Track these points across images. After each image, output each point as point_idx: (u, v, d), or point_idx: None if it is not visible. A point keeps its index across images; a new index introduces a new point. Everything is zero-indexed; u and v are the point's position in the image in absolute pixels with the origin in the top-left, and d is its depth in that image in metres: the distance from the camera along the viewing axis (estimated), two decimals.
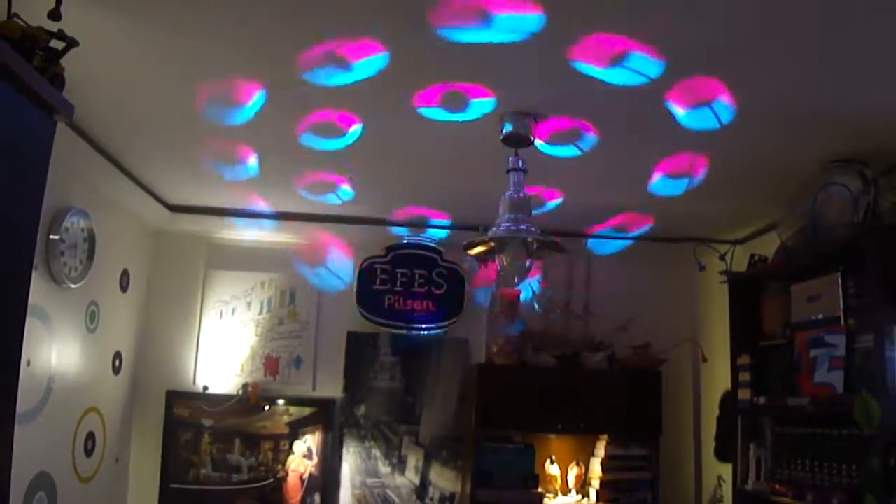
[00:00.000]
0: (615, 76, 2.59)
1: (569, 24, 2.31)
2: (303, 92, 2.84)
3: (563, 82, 2.71)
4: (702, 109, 2.85)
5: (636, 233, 4.55)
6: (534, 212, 3.15)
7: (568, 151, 3.35)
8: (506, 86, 2.79)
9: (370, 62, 2.57)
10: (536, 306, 4.90)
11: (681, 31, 2.31)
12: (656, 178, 3.64)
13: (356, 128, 3.19)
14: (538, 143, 3.16)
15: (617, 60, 2.49)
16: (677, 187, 3.74)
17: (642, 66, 2.51)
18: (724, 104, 2.80)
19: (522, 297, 4.89)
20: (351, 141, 3.36)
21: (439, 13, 2.27)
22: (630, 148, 3.36)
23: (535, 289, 4.89)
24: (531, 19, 2.27)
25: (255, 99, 2.96)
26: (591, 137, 3.21)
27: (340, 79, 2.71)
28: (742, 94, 2.74)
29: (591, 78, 2.61)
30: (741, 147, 3.26)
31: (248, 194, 4.31)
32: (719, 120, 2.92)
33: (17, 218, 2.00)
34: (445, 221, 4.70)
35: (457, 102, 2.92)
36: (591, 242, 4.84)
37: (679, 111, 2.87)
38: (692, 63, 2.52)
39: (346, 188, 3.94)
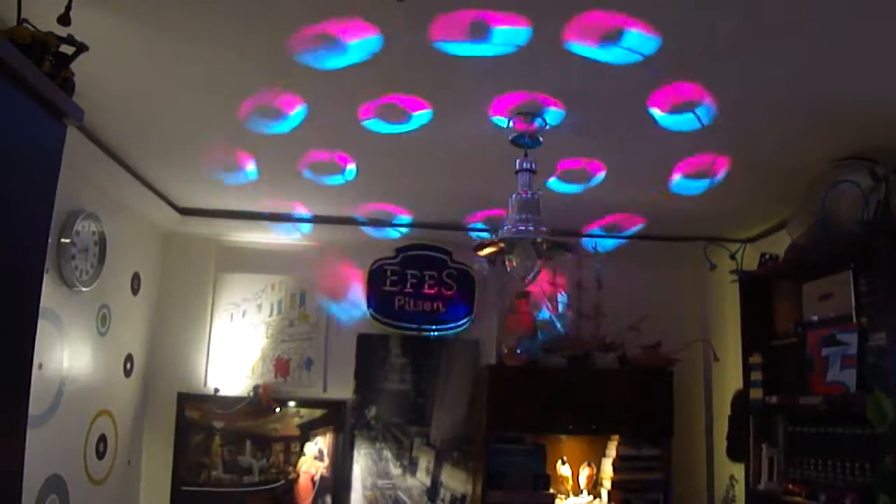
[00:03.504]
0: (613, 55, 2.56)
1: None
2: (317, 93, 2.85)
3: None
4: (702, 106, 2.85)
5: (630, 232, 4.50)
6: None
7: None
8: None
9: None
10: (558, 325, 4.93)
11: (690, 26, 2.30)
12: (675, 177, 3.63)
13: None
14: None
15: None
16: (697, 188, 3.74)
17: (642, 46, 2.48)
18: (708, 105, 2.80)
19: (540, 315, 4.92)
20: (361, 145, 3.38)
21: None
22: (638, 144, 3.36)
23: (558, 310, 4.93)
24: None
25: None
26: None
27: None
28: (750, 91, 2.73)
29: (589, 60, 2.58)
30: (750, 145, 3.25)
31: (258, 197, 4.33)
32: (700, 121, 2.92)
33: (28, 222, 2.01)
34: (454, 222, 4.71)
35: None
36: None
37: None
38: (700, 57, 2.51)
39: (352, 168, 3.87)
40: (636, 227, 4.60)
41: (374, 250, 5.03)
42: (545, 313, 5.00)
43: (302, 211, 4.60)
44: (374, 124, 3.13)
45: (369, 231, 4.83)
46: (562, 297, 5.02)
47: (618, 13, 2.26)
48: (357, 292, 5.05)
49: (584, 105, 2.95)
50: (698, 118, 2.89)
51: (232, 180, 4.02)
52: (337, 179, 3.86)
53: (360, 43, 2.46)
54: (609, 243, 4.87)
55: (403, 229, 4.81)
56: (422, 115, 3.03)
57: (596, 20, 2.29)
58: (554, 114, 2.99)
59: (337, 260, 5.04)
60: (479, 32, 2.38)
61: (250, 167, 3.78)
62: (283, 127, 3.16)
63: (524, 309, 4.87)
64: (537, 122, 3.02)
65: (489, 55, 2.51)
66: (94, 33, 2.22)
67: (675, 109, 2.85)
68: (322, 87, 2.80)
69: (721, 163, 3.41)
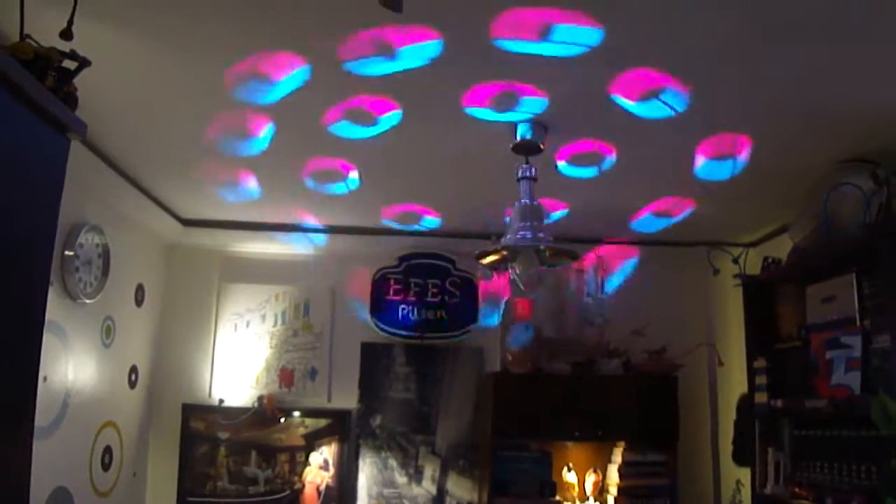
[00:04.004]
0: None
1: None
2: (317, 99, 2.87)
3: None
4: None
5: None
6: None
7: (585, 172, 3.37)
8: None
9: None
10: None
11: (691, 27, 2.30)
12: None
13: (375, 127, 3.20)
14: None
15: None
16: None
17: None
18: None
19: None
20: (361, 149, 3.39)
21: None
22: (641, 149, 3.36)
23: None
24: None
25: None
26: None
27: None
28: (750, 93, 2.73)
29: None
30: (752, 149, 3.25)
31: (260, 207, 4.34)
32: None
33: (32, 235, 2.02)
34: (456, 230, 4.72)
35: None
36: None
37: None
38: (703, 59, 2.51)
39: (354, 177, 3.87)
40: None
41: (378, 259, 5.03)
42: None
43: (305, 221, 4.62)
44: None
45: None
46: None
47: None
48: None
49: (583, 110, 2.97)
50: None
51: (234, 197, 4.05)
52: (340, 188, 3.86)
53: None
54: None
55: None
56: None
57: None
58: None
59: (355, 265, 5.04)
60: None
61: (252, 184, 3.80)
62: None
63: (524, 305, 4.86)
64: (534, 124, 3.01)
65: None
66: (96, 47, 2.23)
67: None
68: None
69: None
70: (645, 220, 4.37)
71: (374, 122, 3.06)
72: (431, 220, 4.58)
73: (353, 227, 4.70)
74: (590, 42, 2.40)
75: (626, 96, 2.78)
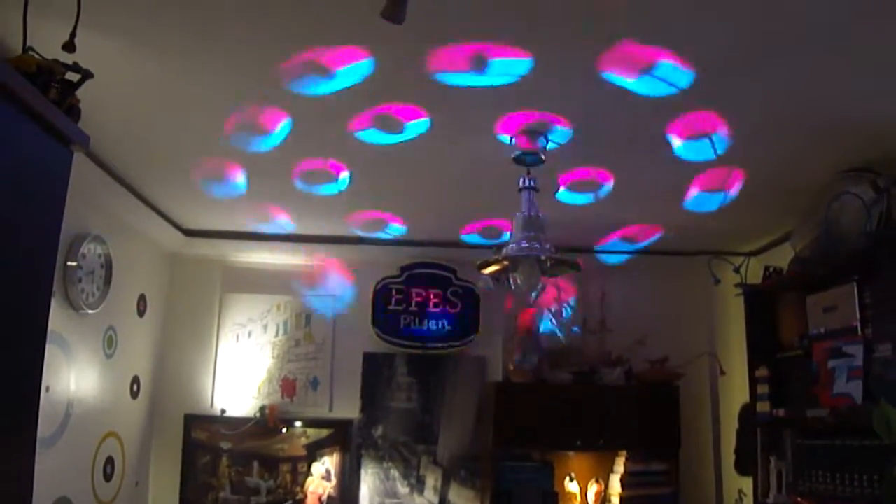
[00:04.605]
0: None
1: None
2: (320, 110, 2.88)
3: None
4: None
5: (647, 242, 4.49)
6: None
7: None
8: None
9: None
10: (560, 333, 4.93)
11: (693, 37, 2.31)
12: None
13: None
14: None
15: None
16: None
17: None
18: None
19: (542, 327, 4.93)
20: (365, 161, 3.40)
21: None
22: (643, 160, 3.37)
23: (555, 318, 4.92)
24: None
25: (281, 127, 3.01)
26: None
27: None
28: (752, 104, 2.74)
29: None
30: (753, 158, 3.26)
31: (263, 215, 4.35)
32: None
33: (35, 247, 2.03)
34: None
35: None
36: (604, 256, 4.88)
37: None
38: (705, 70, 2.52)
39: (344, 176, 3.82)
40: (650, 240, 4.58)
41: (379, 269, 5.04)
42: (547, 323, 4.99)
43: (306, 230, 4.64)
44: (370, 135, 3.13)
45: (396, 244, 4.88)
46: (567, 307, 5.01)
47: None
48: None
49: (592, 125, 2.98)
50: (713, 146, 2.91)
51: (223, 192, 4.02)
52: (331, 188, 3.84)
53: (352, 68, 2.50)
54: (616, 258, 4.89)
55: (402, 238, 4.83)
56: (419, 125, 3.04)
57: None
58: (560, 133, 3.01)
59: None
60: (479, 64, 2.43)
61: (240, 179, 3.77)
62: (274, 140, 3.17)
63: (527, 318, 4.87)
64: (541, 141, 3.04)
65: (488, 85, 2.57)
66: (99, 59, 2.24)
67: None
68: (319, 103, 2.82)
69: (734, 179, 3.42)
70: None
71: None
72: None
73: (355, 237, 4.70)
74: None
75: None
